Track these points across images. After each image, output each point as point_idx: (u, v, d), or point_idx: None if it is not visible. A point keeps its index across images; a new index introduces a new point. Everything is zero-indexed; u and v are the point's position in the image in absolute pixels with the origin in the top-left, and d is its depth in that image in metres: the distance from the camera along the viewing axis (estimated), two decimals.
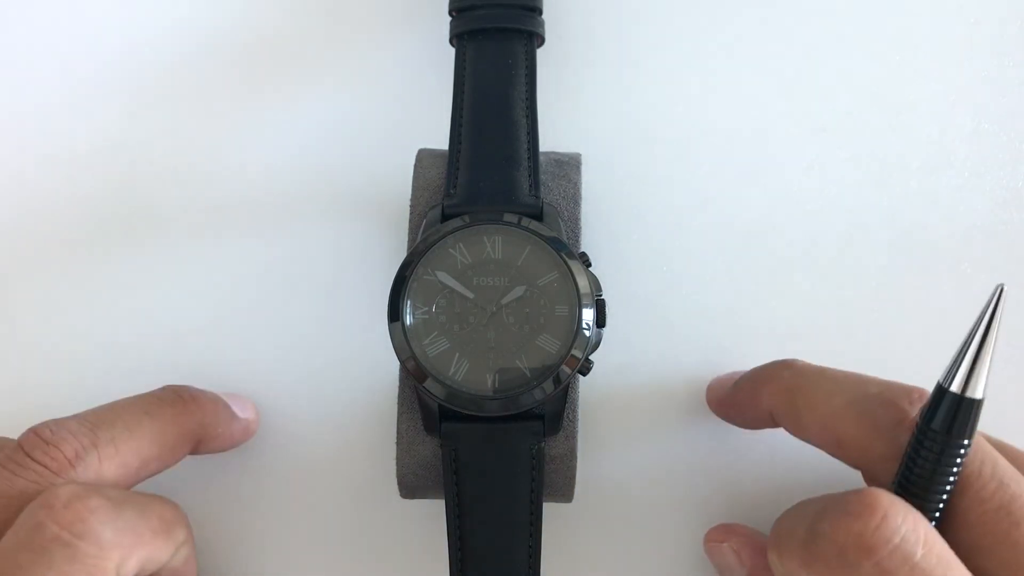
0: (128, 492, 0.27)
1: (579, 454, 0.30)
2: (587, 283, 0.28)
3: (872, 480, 0.27)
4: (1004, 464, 0.25)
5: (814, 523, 0.24)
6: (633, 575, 0.33)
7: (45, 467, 0.26)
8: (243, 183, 0.36)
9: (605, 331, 0.29)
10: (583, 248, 0.31)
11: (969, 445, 0.24)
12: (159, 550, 0.27)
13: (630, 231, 0.35)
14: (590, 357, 0.28)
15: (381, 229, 0.35)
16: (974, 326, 0.24)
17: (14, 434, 0.28)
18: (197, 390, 0.31)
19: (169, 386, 0.31)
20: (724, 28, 0.37)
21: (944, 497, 0.24)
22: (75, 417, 0.28)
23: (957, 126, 0.36)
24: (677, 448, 0.33)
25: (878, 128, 0.36)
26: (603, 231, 0.35)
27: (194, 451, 0.30)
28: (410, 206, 0.31)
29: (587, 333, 0.28)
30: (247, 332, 0.34)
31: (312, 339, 0.34)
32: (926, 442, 0.24)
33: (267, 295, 0.35)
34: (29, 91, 0.37)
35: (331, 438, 0.34)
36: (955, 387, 0.24)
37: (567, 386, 0.29)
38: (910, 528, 0.22)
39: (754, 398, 0.30)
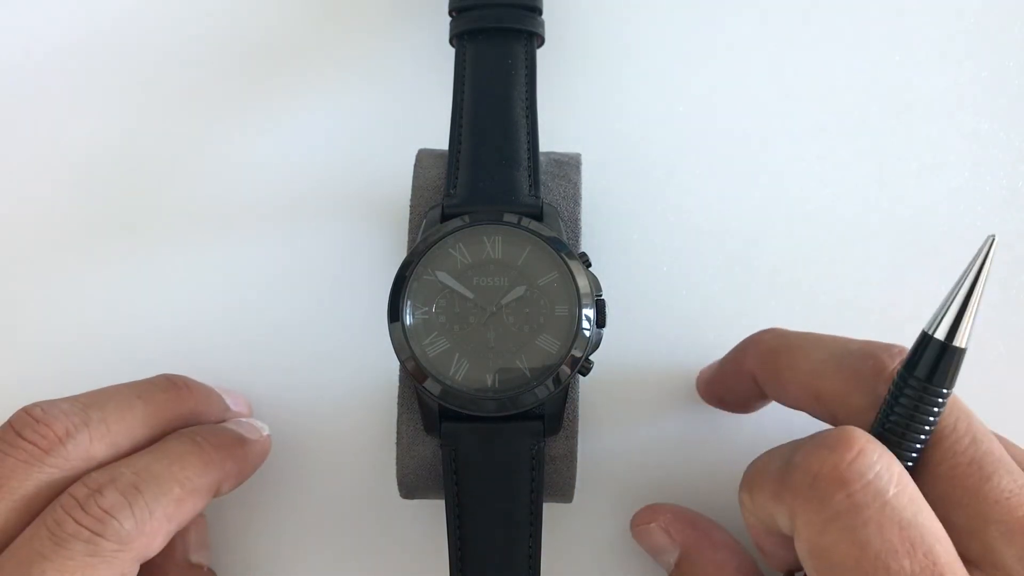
0: (145, 464, 0.27)
1: (579, 454, 0.30)
2: (587, 283, 0.28)
3: None
4: (978, 421, 0.25)
5: (789, 456, 0.24)
6: (633, 575, 0.33)
7: (35, 445, 0.26)
8: (243, 183, 0.36)
9: (605, 331, 0.29)
10: (583, 248, 0.31)
11: (948, 395, 0.24)
12: (185, 517, 0.27)
13: (630, 231, 0.35)
14: (590, 357, 0.28)
15: (381, 229, 0.35)
16: (963, 275, 0.24)
17: None
18: (191, 380, 0.31)
19: (163, 374, 0.31)
20: (724, 28, 0.37)
21: (919, 447, 0.24)
22: (68, 398, 0.28)
23: (957, 126, 0.36)
24: (677, 448, 0.33)
25: (878, 128, 0.36)
26: (603, 231, 0.35)
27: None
28: (410, 206, 0.31)
29: (587, 333, 0.28)
30: (247, 331, 0.34)
31: (312, 339, 0.34)
32: (907, 390, 0.24)
33: (267, 295, 0.35)
34: (30, 91, 0.37)
35: (331, 438, 0.34)
36: (940, 334, 0.24)
37: (567, 386, 0.29)
38: (884, 466, 0.23)
39: (737, 365, 0.30)
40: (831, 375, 0.26)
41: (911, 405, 0.24)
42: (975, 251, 0.24)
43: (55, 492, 0.26)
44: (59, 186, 0.36)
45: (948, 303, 0.24)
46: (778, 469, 0.24)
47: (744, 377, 0.30)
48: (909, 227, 0.35)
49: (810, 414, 0.28)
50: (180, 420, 0.30)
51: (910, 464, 0.24)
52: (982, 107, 0.36)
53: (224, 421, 0.32)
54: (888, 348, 0.26)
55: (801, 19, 0.37)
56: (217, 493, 0.29)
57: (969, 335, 0.24)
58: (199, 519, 0.31)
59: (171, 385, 0.30)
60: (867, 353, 0.26)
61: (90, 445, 0.27)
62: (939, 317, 0.24)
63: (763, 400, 0.31)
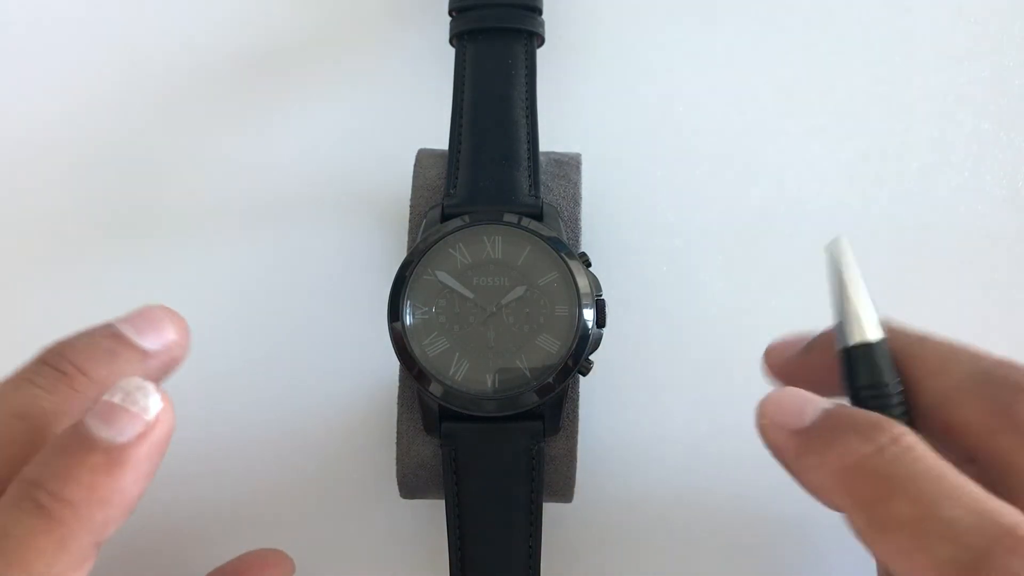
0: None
1: (579, 454, 0.30)
2: (587, 283, 0.28)
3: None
4: None
5: (975, 564, 0.19)
6: (633, 575, 0.33)
7: None
8: (243, 183, 0.36)
9: (605, 331, 0.29)
10: (583, 248, 0.31)
11: (897, 382, 0.24)
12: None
13: (630, 231, 0.35)
14: (590, 357, 0.28)
15: (381, 229, 0.35)
16: (834, 284, 0.25)
17: None
18: (82, 345, 0.24)
19: (44, 359, 0.24)
20: (724, 28, 0.37)
21: None
22: None
23: (957, 126, 0.36)
24: (678, 448, 0.33)
25: (878, 128, 0.36)
26: (603, 231, 0.35)
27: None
28: (410, 206, 0.31)
29: (587, 333, 0.28)
30: (246, 331, 0.34)
31: (312, 339, 0.34)
32: (868, 402, 0.24)
33: (267, 295, 0.35)
34: (31, 90, 0.37)
35: (331, 438, 0.34)
36: (857, 339, 0.24)
37: (567, 386, 0.29)
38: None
39: (831, 362, 0.25)
40: (970, 402, 0.23)
41: (879, 411, 0.23)
42: (828, 262, 0.25)
43: None
44: (59, 186, 0.36)
45: (843, 313, 0.25)
46: (949, 567, 0.19)
47: (836, 378, 0.25)
48: (909, 227, 0.35)
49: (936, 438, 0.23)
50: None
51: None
52: (982, 107, 0.36)
53: (150, 377, 0.23)
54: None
55: (801, 19, 0.37)
56: (98, 546, 0.21)
57: (876, 325, 0.25)
58: None
59: (59, 376, 0.23)
60: (1014, 380, 0.22)
61: None
62: (842, 329, 0.25)
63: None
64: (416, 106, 0.36)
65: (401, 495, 0.31)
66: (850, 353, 0.24)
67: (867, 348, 0.24)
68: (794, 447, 0.23)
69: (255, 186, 0.36)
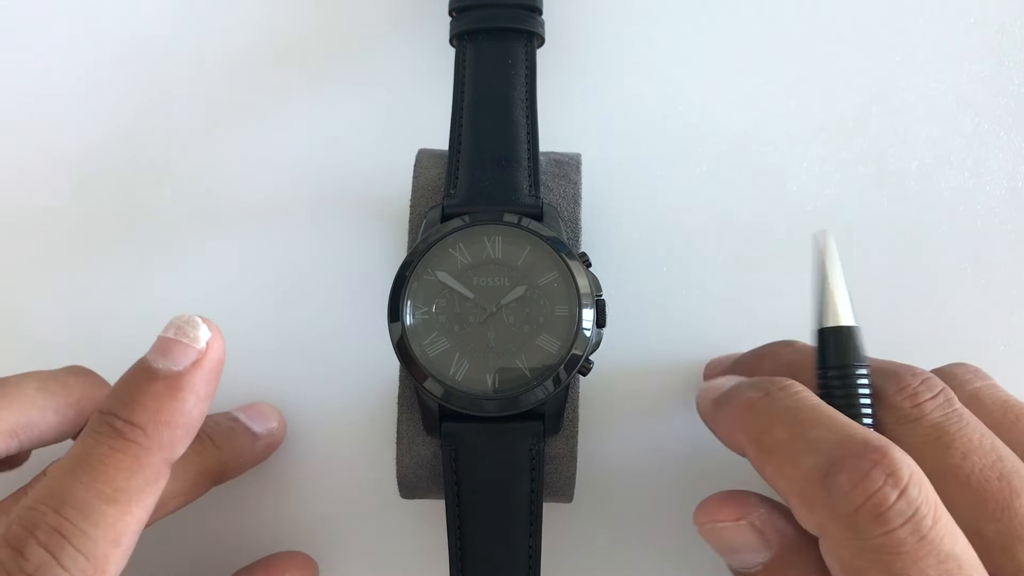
0: (65, 491, 0.23)
1: (579, 454, 0.30)
2: (587, 283, 0.28)
3: None
4: (999, 443, 0.25)
5: (827, 468, 0.23)
6: (633, 575, 0.33)
7: None
8: (243, 183, 0.36)
9: (605, 331, 0.29)
10: (583, 248, 0.31)
11: (865, 369, 0.26)
12: (137, 527, 0.24)
13: (630, 231, 0.35)
14: (590, 357, 0.28)
15: (381, 229, 0.35)
16: (816, 269, 0.27)
17: None
18: (214, 423, 0.30)
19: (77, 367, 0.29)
20: (724, 28, 0.37)
21: (868, 420, 0.26)
22: (29, 509, 0.23)
23: (957, 126, 0.36)
24: (678, 448, 0.33)
25: (878, 128, 0.36)
26: (603, 231, 0.35)
27: (217, 483, 0.30)
28: (410, 206, 0.31)
29: (587, 333, 0.28)
30: (247, 332, 0.34)
31: (312, 339, 0.34)
32: (833, 382, 0.26)
33: (267, 295, 0.35)
34: (31, 90, 0.37)
35: (331, 438, 0.34)
36: (830, 322, 0.26)
37: (567, 386, 0.29)
38: (924, 499, 0.22)
39: (753, 373, 0.29)
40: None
41: (844, 392, 0.26)
42: (813, 252, 0.27)
43: None
44: (60, 187, 0.36)
45: (822, 296, 0.27)
46: (811, 474, 0.23)
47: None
48: (909, 227, 0.35)
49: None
50: (209, 477, 0.29)
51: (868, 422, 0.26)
52: (982, 107, 0.36)
53: (256, 456, 0.31)
54: (910, 370, 0.26)
55: (801, 19, 0.37)
56: (218, 480, 0.27)
57: (851, 313, 0.26)
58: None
59: (196, 441, 0.27)
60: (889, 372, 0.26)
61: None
62: (822, 311, 0.27)
63: None
64: (416, 106, 0.36)
65: (401, 495, 0.31)
66: (822, 334, 0.26)
67: (837, 331, 0.26)
68: (712, 407, 0.28)
69: (255, 186, 0.36)
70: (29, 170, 0.36)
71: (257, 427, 0.31)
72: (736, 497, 0.26)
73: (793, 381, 0.26)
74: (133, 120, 0.36)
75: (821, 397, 0.26)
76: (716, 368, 0.33)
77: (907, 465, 0.23)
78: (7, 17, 0.37)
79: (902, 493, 0.22)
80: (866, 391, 0.26)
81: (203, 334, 0.25)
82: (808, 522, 0.24)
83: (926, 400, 0.25)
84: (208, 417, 0.28)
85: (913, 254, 0.35)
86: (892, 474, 0.22)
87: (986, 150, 0.36)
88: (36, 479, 0.27)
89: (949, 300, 0.35)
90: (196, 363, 0.25)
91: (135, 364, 0.25)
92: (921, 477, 0.23)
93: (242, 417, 0.31)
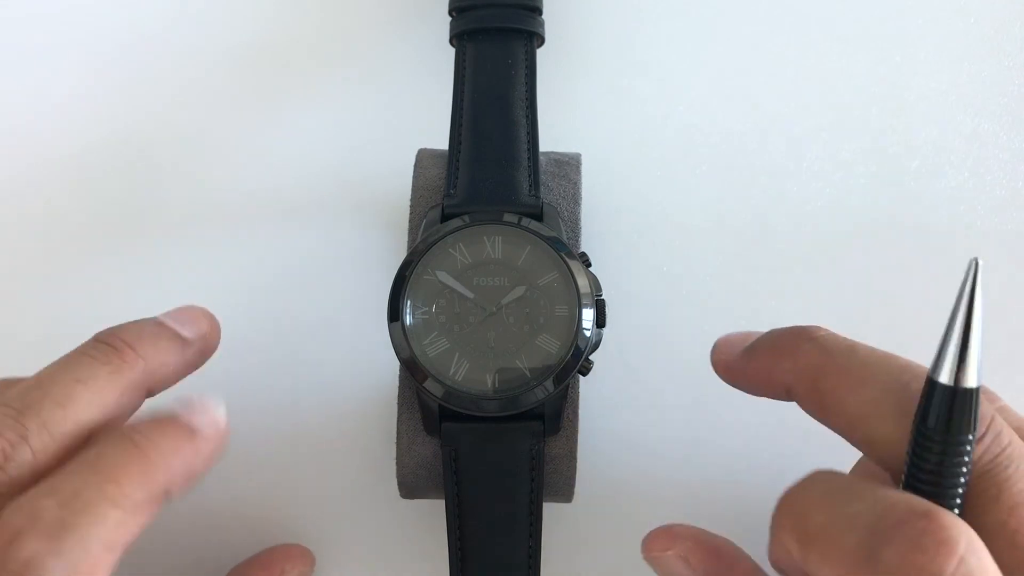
0: (73, 489, 0.23)
1: (579, 454, 0.30)
2: (587, 283, 0.28)
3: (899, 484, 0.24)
4: None
5: (872, 543, 0.21)
6: (633, 575, 0.33)
7: None
8: (242, 183, 0.36)
9: (605, 331, 0.29)
10: (583, 248, 0.31)
11: (973, 440, 0.22)
12: (129, 539, 0.23)
13: (630, 231, 0.35)
14: (590, 357, 0.28)
15: (381, 229, 0.35)
16: (955, 308, 0.22)
17: None
18: (132, 329, 0.27)
19: (99, 336, 0.27)
20: (724, 28, 0.37)
21: (958, 507, 0.22)
22: None
23: (957, 126, 0.36)
24: (677, 448, 0.33)
25: (878, 128, 0.36)
26: (603, 231, 0.35)
27: (149, 394, 0.27)
28: (410, 206, 0.31)
29: (587, 333, 0.28)
30: (247, 331, 0.34)
31: (312, 339, 0.34)
32: (926, 443, 0.22)
33: (267, 295, 0.35)
34: (31, 90, 0.37)
35: (331, 438, 0.34)
36: (946, 378, 0.22)
37: (567, 386, 0.29)
38: (983, 570, 0.20)
39: (770, 372, 0.27)
40: (886, 419, 0.23)
41: (936, 460, 0.22)
42: (962, 277, 0.22)
43: None
44: (58, 185, 0.36)
45: (947, 341, 0.22)
46: (856, 553, 0.21)
47: (775, 385, 0.26)
48: (909, 227, 0.35)
49: (854, 446, 0.25)
50: (133, 388, 0.26)
51: (957, 510, 0.22)
52: (982, 107, 0.36)
53: (187, 362, 0.28)
54: None
55: (801, 19, 0.37)
56: (168, 498, 0.25)
57: (979, 371, 0.22)
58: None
59: (111, 351, 0.26)
60: None
61: (34, 460, 0.23)
62: (942, 359, 0.22)
63: (789, 400, 0.27)
64: (416, 106, 0.36)
65: (401, 495, 0.31)
66: (941, 390, 0.22)
67: (965, 393, 0.22)
68: (744, 356, 0.28)
69: (255, 186, 0.36)
70: (29, 168, 0.36)
71: (186, 331, 0.28)
72: (669, 530, 0.29)
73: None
74: (132, 120, 0.36)
75: (908, 456, 0.23)
76: (727, 350, 0.29)
77: (962, 531, 0.21)
78: (8, 16, 0.37)
79: (960, 563, 0.20)
80: (965, 469, 0.22)
81: (217, 404, 0.26)
82: None
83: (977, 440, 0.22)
84: (129, 323, 0.27)
85: (913, 254, 0.35)
86: (945, 543, 0.20)
87: (986, 150, 0.36)
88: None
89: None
90: (211, 425, 0.26)
91: (156, 411, 0.26)
92: (979, 544, 0.21)
93: (168, 321, 0.28)
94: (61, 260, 0.35)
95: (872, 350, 0.25)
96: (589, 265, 0.29)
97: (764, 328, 0.31)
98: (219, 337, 0.29)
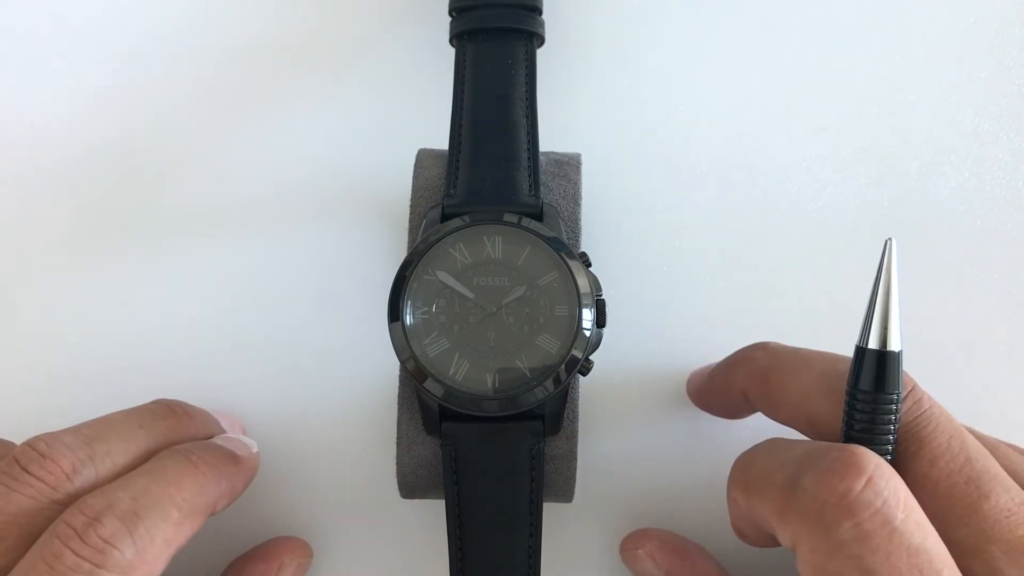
0: (143, 487, 0.26)
1: (579, 454, 0.30)
2: (587, 283, 0.28)
3: None
4: (972, 440, 0.25)
5: (795, 474, 0.24)
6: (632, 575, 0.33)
7: (42, 481, 0.25)
8: (243, 183, 0.36)
9: (605, 331, 0.29)
10: (583, 248, 0.31)
11: (899, 398, 0.25)
12: (183, 540, 0.26)
13: (630, 231, 0.35)
14: (590, 357, 0.28)
15: (381, 229, 0.35)
16: (875, 284, 0.25)
17: (13, 435, 0.28)
18: (188, 405, 0.31)
19: (161, 400, 0.30)
20: (724, 28, 0.37)
21: (890, 448, 0.25)
22: (70, 430, 0.27)
23: (957, 126, 0.36)
24: (677, 448, 0.34)
25: (878, 128, 0.36)
26: (603, 231, 0.35)
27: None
28: (410, 206, 0.31)
29: (587, 333, 0.28)
30: (247, 331, 0.34)
31: (312, 339, 0.34)
32: (858, 404, 0.25)
33: (267, 295, 0.35)
34: (31, 90, 0.37)
35: (331, 438, 0.34)
36: (873, 343, 0.25)
37: (567, 386, 0.29)
38: (892, 492, 0.23)
39: (728, 382, 0.30)
40: (821, 398, 0.26)
41: (867, 417, 0.25)
42: (880, 256, 0.25)
43: None
44: (57, 187, 0.36)
45: (871, 312, 0.25)
46: (782, 485, 0.24)
47: (734, 393, 0.30)
48: (909, 227, 0.35)
49: (802, 433, 0.28)
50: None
51: (888, 458, 0.25)
52: (982, 107, 0.36)
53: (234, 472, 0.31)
54: None
55: (801, 19, 0.37)
56: (212, 512, 0.28)
57: (899, 337, 0.25)
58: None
59: (170, 412, 0.30)
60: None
61: (96, 480, 0.26)
62: (867, 328, 0.25)
63: (753, 412, 0.31)
64: (416, 106, 0.36)
65: (401, 495, 0.31)
66: (866, 354, 0.25)
67: (884, 356, 0.25)
68: (708, 376, 0.32)
69: (255, 186, 0.36)
70: (30, 169, 0.36)
71: (238, 450, 0.31)
72: (640, 532, 0.32)
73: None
74: (134, 121, 0.36)
75: (845, 417, 0.25)
76: (697, 377, 0.33)
77: (871, 458, 0.23)
78: (11, 16, 0.37)
79: (868, 482, 0.23)
80: (894, 424, 0.25)
81: (253, 444, 0.31)
82: (786, 537, 0.24)
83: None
84: (186, 404, 0.31)
85: (913, 254, 0.35)
86: (854, 465, 0.23)
87: (986, 150, 0.36)
88: None
89: (949, 300, 0.35)
90: (248, 457, 0.30)
91: (204, 441, 0.30)
92: (888, 470, 0.23)
93: (223, 443, 0.31)
94: (62, 260, 0.35)
95: (812, 350, 0.28)
96: (589, 265, 0.29)
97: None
98: (258, 464, 0.32)
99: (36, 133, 0.36)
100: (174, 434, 0.29)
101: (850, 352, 0.26)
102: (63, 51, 0.37)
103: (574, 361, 0.28)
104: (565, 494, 0.31)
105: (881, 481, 0.23)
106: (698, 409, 0.33)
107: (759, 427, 0.33)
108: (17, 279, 0.35)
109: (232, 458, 0.29)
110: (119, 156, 0.36)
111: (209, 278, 0.35)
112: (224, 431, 0.32)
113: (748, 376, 0.29)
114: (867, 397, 0.25)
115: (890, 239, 0.25)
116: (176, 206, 0.36)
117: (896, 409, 0.25)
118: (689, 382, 0.33)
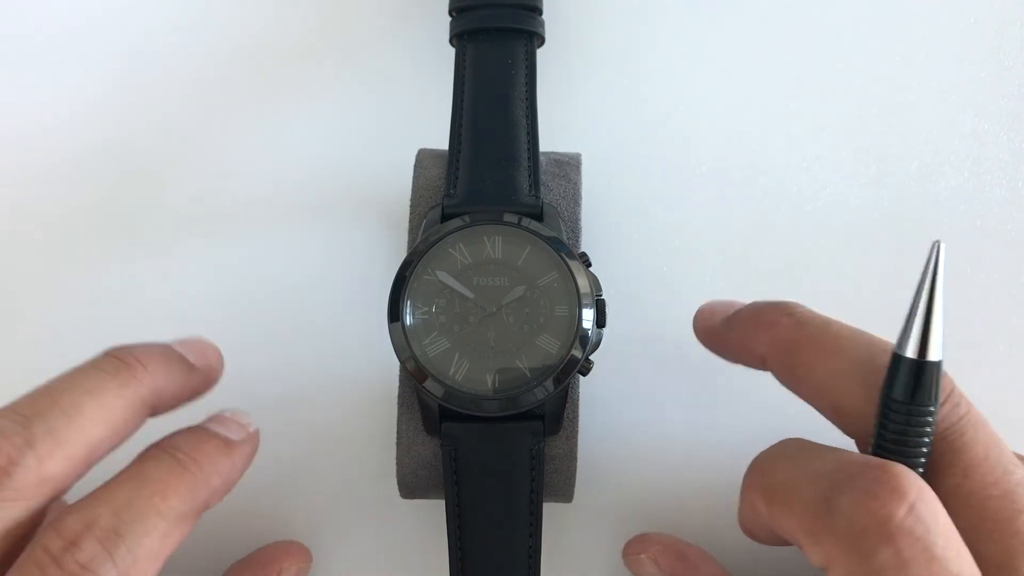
0: (125, 499, 0.24)
1: (579, 454, 0.30)
2: (587, 283, 0.28)
3: (866, 451, 0.25)
4: (1008, 451, 0.24)
5: (829, 494, 0.22)
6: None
7: None
8: (243, 183, 0.36)
9: (605, 331, 0.29)
10: (583, 248, 0.31)
11: (935, 410, 0.24)
12: (172, 548, 0.25)
13: (630, 231, 0.35)
14: (590, 357, 0.28)
15: (381, 229, 0.35)
16: (919, 287, 0.24)
17: None
18: (143, 348, 0.27)
19: (110, 351, 0.27)
20: (724, 28, 0.37)
21: (923, 461, 0.24)
22: (6, 410, 0.25)
23: (957, 126, 0.36)
24: (678, 448, 0.33)
25: (878, 128, 0.36)
26: (603, 231, 0.35)
27: (152, 414, 0.27)
28: (410, 206, 0.31)
29: (587, 333, 0.28)
30: (246, 331, 0.34)
31: (312, 339, 0.34)
32: (892, 413, 0.24)
33: (267, 295, 0.35)
34: (32, 90, 0.37)
35: (331, 438, 0.34)
36: (911, 352, 0.23)
37: (567, 386, 0.29)
38: (932, 517, 0.22)
39: (748, 341, 0.28)
40: (853, 390, 0.25)
41: (900, 428, 0.23)
42: (925, 259, 0.24)
43: (23, 529, 0.24)
44: (57, 187, 0.36)
45: (912, 318, 0.24)
46: (814, 503, 0.22)
47: (752, 355, 0.28)
48: (909, 227, 0.35)
49: (823, 415, 0.26)
50: (139, 405, 0.26)
51: (920, 471, 0.24)
52: (982, 107, 0.36)
53: (192, 388, 0.28)
54: None
55: (801, 19, 0.37)
56: (206, 508, 0.27)
57: (941, 345, 0.23)
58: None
59: (122, 366, 0.26)
60: None
61: (39, 467, 0.24)
62: (907, 334, 0.24)
63: (764, 369, 0.28)
64: (416, 106, 0.36)
65: (401, 495, 0.31)
66: (904, 362, 0.24)
67: (924, 365, 0.23)
68: (724, 325, 0.29)
69: (255, 186, 0.36)
70: (31, 170, 0.36)
71: (193, 359, 0.29)
72: (642, 537, 0.32)
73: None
74: (134, 121, 0.36)
75: (876, 425, 0.24)
76: (710, 316, 0.31)
77: (913, 481, 0.22)
78: (11, 16, 0.37)
79: (911, 510, 0.21)
80: (928, 437, 0.24)
81: (249, 420, 0.29)
82: (817, 557, 0.23)
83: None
84: (141, 343, 0.28)
85: (913, 254, 0.35)
86: (897, 489, 0.22)
87: (986, 150, 0.36)
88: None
89: (949, 300, 0.35)
90: (244, 439, 0.28)
91: (193, 427, 0.28)
92: (930, 495, 0.22)
93: (178, 347, 0.29)
94: (63, 261, 0.35)
95: (844, 325, 0.26)
96: (589, 265, 0.29)
97: None
98: (222, 370, 0.30)
99: (36, 133, 0.36)
100: (128, 392, 0.26)
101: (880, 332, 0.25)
102: (63, 51, 0.37)
103: (574, 361, 0.28)
104: (565, 494, 0.31)
105: (923, 507, 0.21)
106: (699, 409, 0.33)
107: (762, 427, 0.33)
108: (17, 279, 0.35)
109: (225, 447, 0.27)
110: (119, 156, 0.36)
111: (209, 278, 0.35)
112: (191, 366, 0.28)
113: (771, 343, 0.27)
114: (901, 408, 0.23)
115: (939, 241, 0.23)
116: (176, 206, 0.36)
117: (932, 422, 0.23)
118: (700, 317, 0.31)
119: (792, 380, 0.27)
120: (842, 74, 0.36)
